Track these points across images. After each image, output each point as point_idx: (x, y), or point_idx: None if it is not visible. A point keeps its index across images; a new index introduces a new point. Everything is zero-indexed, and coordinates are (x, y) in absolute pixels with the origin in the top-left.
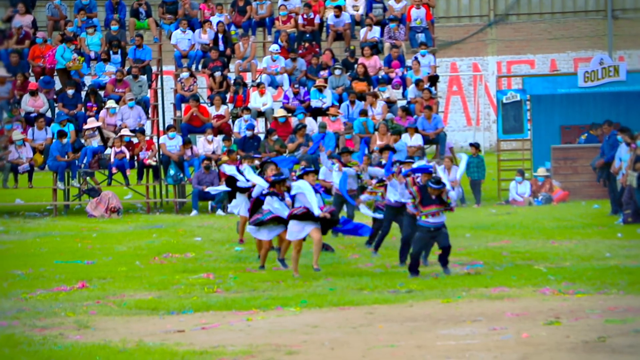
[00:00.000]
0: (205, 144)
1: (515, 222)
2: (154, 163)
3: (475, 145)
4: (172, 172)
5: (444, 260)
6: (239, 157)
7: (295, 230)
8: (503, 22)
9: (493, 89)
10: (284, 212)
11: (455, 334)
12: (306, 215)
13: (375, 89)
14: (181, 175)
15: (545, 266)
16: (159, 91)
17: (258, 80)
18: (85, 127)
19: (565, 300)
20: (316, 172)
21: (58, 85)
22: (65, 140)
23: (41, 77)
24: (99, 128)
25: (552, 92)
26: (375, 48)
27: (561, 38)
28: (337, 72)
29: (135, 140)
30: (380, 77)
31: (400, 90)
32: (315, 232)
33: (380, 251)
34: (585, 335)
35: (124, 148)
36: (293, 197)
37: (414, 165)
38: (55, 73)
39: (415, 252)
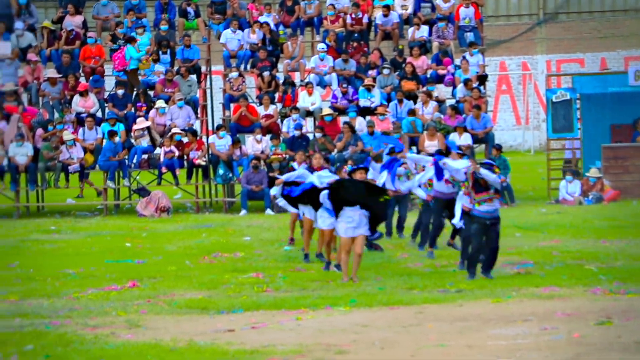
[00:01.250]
0: (254, 144)
1: (566, 221)
2: (203, 163)
3: (497, 147)
4: (221, 171)
5: (489, 264)
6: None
7: (343, 229)
8: (552, 21)
9: (542, 88)
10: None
11: (506, 333)
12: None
13: (425, 88)
14: (230, 175)
15: (597, 266)
16: (208, 91)
17: (306, 80)
18: (134, 127)
19: (616, 300)
20: (366, 169)
21: (109, 86)
22: (117, 140)
23: (91, 77)
24: (148, 128)
25: (602, 91)
26: (424, 47)
27: (611, 36)
28: (385, 71)
29: (185, 139)
30: (429, 75)
31: (450, 89)
32: (358, 245)
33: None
34: (637, 336)
35: (173, 147)
36: None
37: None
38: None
39: (474, 249)
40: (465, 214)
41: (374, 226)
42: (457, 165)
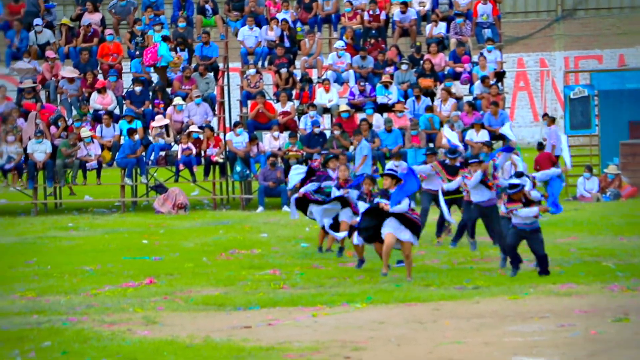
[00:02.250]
0: (271, 141)
1: (583, 218)
2: (220, 160)
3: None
4: (238, 168)
5: (543, 268)
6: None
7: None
8: (570, 17)
9: (560, 85)
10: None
11: (523, 330)
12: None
13: (442, 85)
14: (247, 172)
15: (614, 263)
16: (226, 88)
17: (324, 77)
18: (153, 124)
19: (634, 297)
20: (392, 176)
21: (127, 83)
22: (136, 137)
23: (108, 73)
24: (166, 125)
25: (621, 88)
26: (442, 44)
27: (630, 33)
28: (403, 67)
29: (202, 137)
30: (446, 72)
31: (467, 86)
32: (406, 248)
33: (447, 247)
34: None
35: (190, 145)
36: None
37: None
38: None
39: (510, 244)
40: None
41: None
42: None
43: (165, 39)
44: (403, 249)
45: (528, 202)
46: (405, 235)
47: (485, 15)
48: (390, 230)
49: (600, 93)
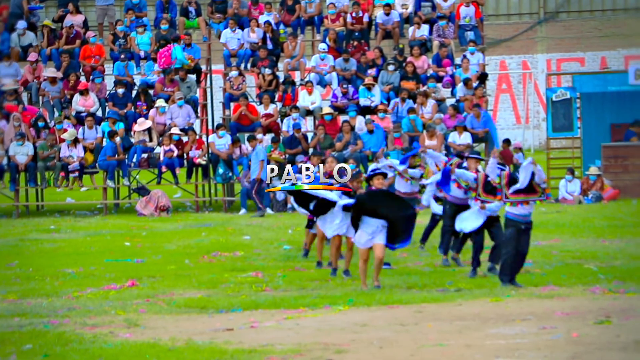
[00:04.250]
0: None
1: (565, 220)
2: (203, 162)
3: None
4: (221, 170)
5: (516, 268)
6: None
7: (363, 240)
8: (553, 20)
9: (543, 87)
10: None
11: (505, 333)
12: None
13: (425, 87)
14: (230, 174)
15: (596, 265)
16: (208, 90)
17: (306, 79)
18: (136, 127)
19: (615, 299)
20: (384, 175)
21: (109, 85)
22: (117, 140)
23: (91, 75)
24: (148, 128)
25: (603, 90)
26: (424, 47)
27: (612, 35)
28: (390, 67)
29: (185, 138)
30: (429, 74)
31: (450, 89)
32: (378, 249)
33: (429, 250)
34: (637, 335)
35: (173, 147)
36: None
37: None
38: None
39: (508, 254)
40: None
41: (391, 238)
42: (469, 174)
43: (175, 39)
44: (375, 251)
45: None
46: (377, 239)
47: (468, 17)
48: (382, 240)
49: (583, 95)
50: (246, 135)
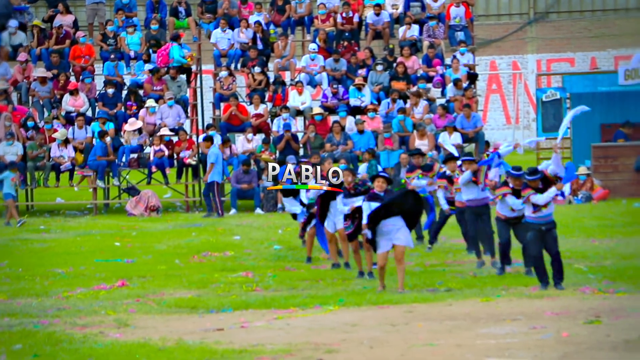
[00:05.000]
0: (244, 143)
1: (555, 220)
2: (193, 162)
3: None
4: None
5: (556, 273)
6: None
7: (383, 243)
8: (543, 20)
9: (533, 87)
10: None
11: (495, 332)
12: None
13: (416, 88)
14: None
15: (586, 265)
16: (198, 90)
17: (297, 79)
18: (126, 128)
19: (605, 299)
20: (385, 178)
21: (99, 85)
22: (108, 140)
23: (81, 75)
24: (139, 128)
25: (593, 90)
26: (414, 47)
27: (601, 36)
28: (379, 67)
29: (175, 139)
30: (419, 75)
31: (440, 89)
32: (399, 253)
33: (418, 249)
34: (626, 334)
35: (163, 147)
36: None
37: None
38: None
39: (535, 256)
40: (503, 221)
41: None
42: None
43: (174, 38)
44: (396, 258)
45: (544, 189)
46: (399, 240)
47: (458, 18)
48: (402, 242)
49: (573, 96)
50: (236, 135)
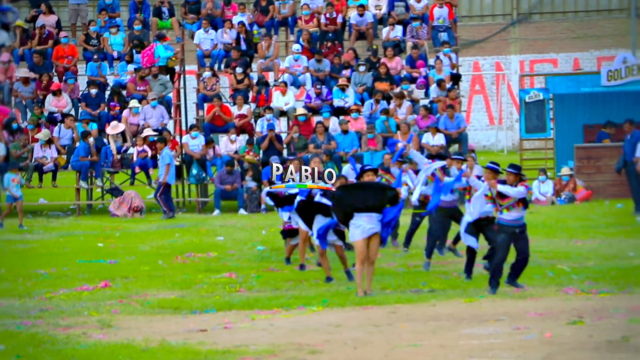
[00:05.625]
0: (227, 144)
1: (538, 221)
2: (176, 163)
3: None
4: (194, 171)
5: (517, 272)
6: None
7: (358, 232)
8: (526, 21)
9: (516, 88)
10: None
11: (479, 333)
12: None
13: (399, 88)
14: (203, 175)
15: (569, 265)
16: (182, 91)
17: (280, 80)
18: (109, 131)
19: (588, 299)
20: (375, 170)
21: (82, 85)
22: (91, 140)
23: (64, 76)
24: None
25: (575, 91)
26: (398, 47)
27: (584, 37)
28: (361, 68)
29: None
30: (402, 75)
31: (423, 90)
32: (372, 248)
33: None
34: (609, 335)
35: (146, 147)
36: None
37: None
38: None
39: (498, 262)
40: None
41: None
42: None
43: (160, 37)
44: (369, 253)
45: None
46: (373, 229)
47: (442, 18)
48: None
49: (555, 97)
50: (220, 136)
